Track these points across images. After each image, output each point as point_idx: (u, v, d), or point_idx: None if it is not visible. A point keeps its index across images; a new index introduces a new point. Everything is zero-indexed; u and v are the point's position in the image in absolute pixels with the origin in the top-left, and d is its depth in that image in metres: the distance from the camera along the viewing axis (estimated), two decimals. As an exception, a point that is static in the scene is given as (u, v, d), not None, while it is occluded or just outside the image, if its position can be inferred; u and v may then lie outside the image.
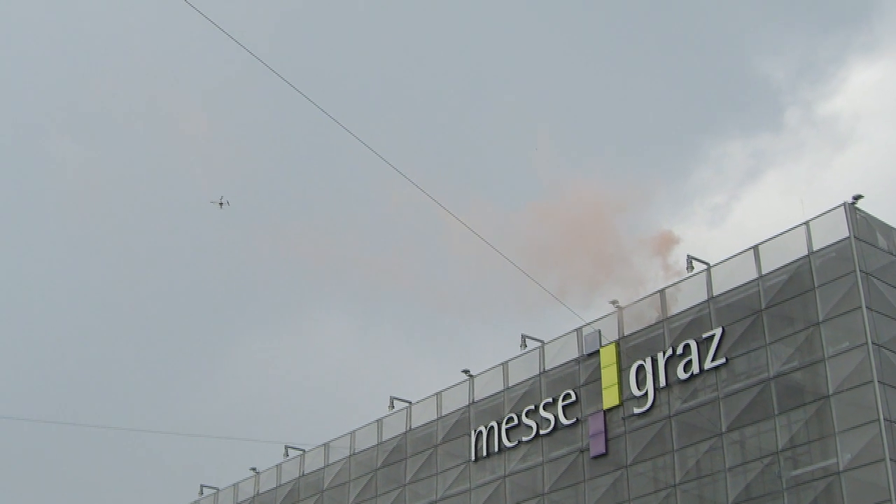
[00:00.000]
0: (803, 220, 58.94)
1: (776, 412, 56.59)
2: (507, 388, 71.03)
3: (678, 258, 65.96)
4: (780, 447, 56.01)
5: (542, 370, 69.31)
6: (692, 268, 63.14)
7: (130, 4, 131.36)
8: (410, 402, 77.91)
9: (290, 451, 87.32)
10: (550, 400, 67.75)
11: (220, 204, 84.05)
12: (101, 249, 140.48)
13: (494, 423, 70.63)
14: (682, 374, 61.09)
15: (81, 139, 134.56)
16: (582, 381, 66.63)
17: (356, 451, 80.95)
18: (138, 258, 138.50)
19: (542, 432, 67.63)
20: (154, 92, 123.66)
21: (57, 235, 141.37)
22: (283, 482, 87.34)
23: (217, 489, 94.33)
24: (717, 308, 61.00)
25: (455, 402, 74.49)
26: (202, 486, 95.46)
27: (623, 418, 63.63)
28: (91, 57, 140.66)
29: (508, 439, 69.51)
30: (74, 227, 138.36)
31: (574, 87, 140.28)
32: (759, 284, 59.53)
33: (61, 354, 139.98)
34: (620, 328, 65.59)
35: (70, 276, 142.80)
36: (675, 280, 64.65)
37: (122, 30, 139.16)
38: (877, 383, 52.84)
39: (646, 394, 62.62)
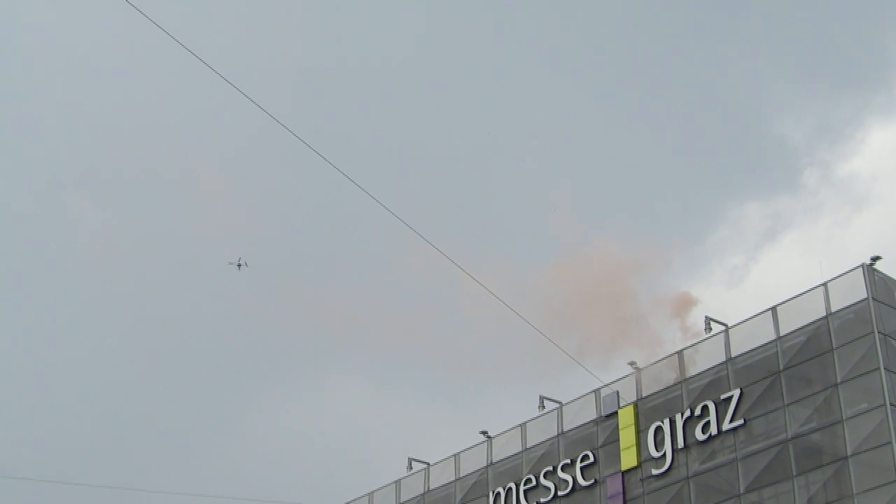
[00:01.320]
0: (821, 281, 59.04)
1: (794, 473, 56.45)
2: (526, 450, 70.93)
3: (696, 319, 66.14)
4: (798, 509, 55.92)
5: (560, 431, 69.23)
6: (710, 329, 63.19)
7: (149, 65, 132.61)
8: (429, 464, 77.80)
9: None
10: (569, 461, 67.64)
11: (239, 265, 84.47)
12: (118, 309, 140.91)
13: (513, 485, 70.49)
14: (700, 436, 61.00)
15: (99, 199, 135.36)
16: (600, 443, 66.56)
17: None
18: (155, 318, 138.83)
19: (560, 493, 67.46)
20: (172, 152, 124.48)
21: (74, 294, 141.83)
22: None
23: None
24: (736, 369, 61.01)
25: (473, 463, 74.37)
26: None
27: (641, 479, 63.50)
28: (110, 117, 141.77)
29: (527, 500, 69.31)
30: (92, 287, 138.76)
31: (592, 148, 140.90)
32: (777, 345, 59.54)
33: (76, 413, 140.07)
34: (638, 389, 65.58)
35: (86, 336, 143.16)
36: (693, 341, 64.74)
37: (141, 90, 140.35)
38: (895, 444, 52.73)
39: (664, 455, 62.52)
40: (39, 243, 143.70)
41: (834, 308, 57.72)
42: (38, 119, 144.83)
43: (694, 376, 63.09)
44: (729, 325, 62.64)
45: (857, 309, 56.81)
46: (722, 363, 61.78)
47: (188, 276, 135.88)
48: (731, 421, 59.66)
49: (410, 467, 78.87)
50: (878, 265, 57.69)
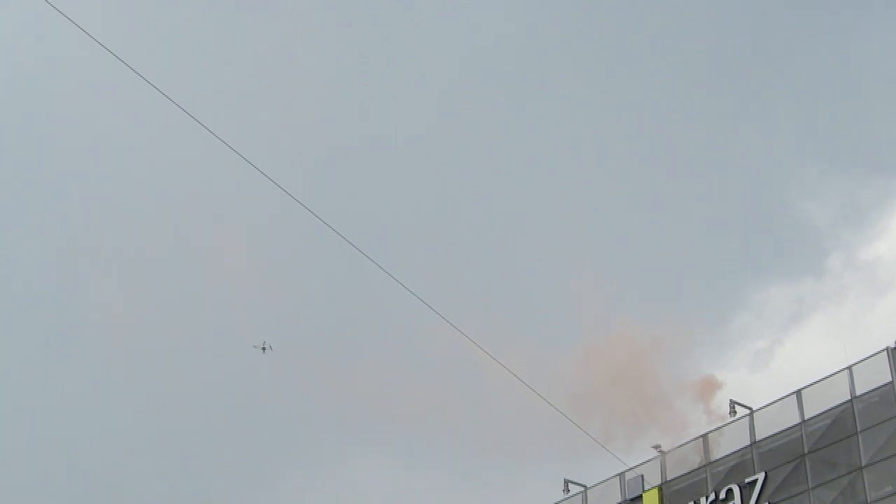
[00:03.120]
0: (846, 365, 59.07)
1: (820, 558, 56.26)
2: (551, 533, 70.78)
3: (721, 403, 66.10)
4: None
5: (584, 515, 69.11)
6: (735, 412, 63.22)
7: (169, 143, 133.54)
8: (453, 547, 77.64)
9: None
10: (593, 545, 67.47)
11: (263, 348, 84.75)
12: (137, 387, 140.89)
13: (537, 569, 70.29)
14: (725, 519, 60.91)
15: (120, 277, 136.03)
16: (625, 526, 66.43)
17: None
18: (174, 398, 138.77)
19: (584, 578, 67.27)
20: (194, 231, 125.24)
21: (93, 373, 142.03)
22: None
23: None
24: (760, 453, 60.90)
25: (498, 546, 74.24)
26: None
27: (666, 564, 63.32)
28: (131, 194, 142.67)
29: (551, 585, 69.12)
30: (111, 366, 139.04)
31: (616, 230, 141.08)
32: (801, 429, 59.46)
33: (91, 492, 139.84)
34: (663, 473, 65.44)
35: (104, 414, 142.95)
36: (718, 425, 64.68)
37: (162, 168, 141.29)
38: (921, 529, 52.55)
39: (689, 539, 62.35)
40: (59, 320, 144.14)
41: (858, 391, 57.70)
42: (59, 195, 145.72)
43: (718, 460, 63.00)
44: (753, 409, 62.64)
45: (881, 392, 56.76)
46: (746, 446, 61.70)
47: (209, 357, 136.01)
48: (756, 504, 59.58)
49: (435, 551, 78.71)
50: (902, 349, 57.78)
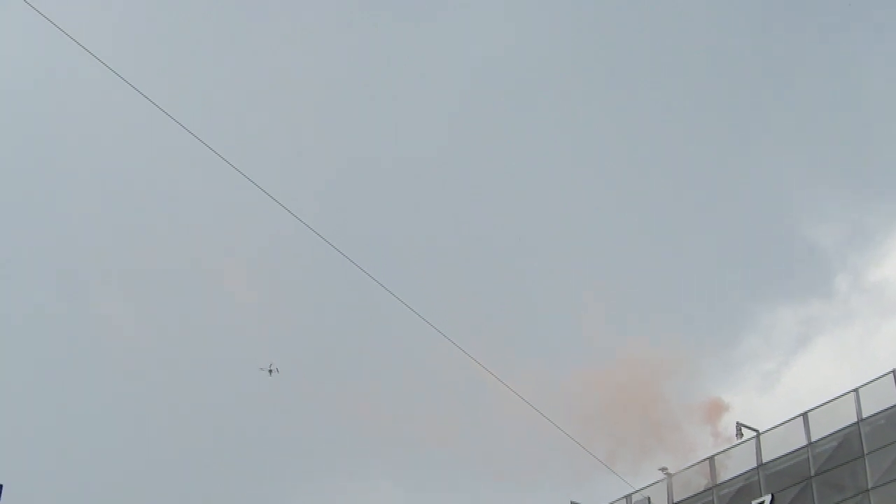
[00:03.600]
0: (853, 387, 58.96)
1: (827, 581, 56.11)
2: (557, 555, 70.65)
3: (727, 425, 66.09)
4: None
5: (591, 537, 69.01)
6: (741, 434, 63.10)
7: (176, 166, 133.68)
8: (459, 569, 77.49)
9: None
10: (599, 567, 67.34)
11: (270, 371, 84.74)
12: (142, 410, 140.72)
13: (543, 591, 70.13)
14: (731, 542, 60.75)
15: (128, 299, 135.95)
16: (631, 549, 66.28)
17: None
18: (181, 418, 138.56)
19: None
20: (200, 253, 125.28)
21: (98, 391, 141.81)
22: None
23: None
24: (767, 475, 60.74)
25: (504, 569, 74.10)
26: None
27: (673, 586, 63.19)
28: (139, 217, 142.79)
29: None
30: (117, 388, 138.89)
31: (623, 251, 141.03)
32: (808, 451, 59.32)
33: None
34: (670, 495, 65.33)
35: (110, 437, 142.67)
36: (725, 447, 64.65)
37: (168, 190, 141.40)
38: (928, 552, 52.39)
39: (695, 561, 62.21)
40: (66, 342, 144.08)
41: (865, 414, 57.55)
42: (63, 212, 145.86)
43: (725, 482, 62.84)
44: (760, 431, 62.53)
45: (888, 415, 56.63)
46: (753, 469, 61.54)
47: (214, 379, 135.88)
48: (763, 527, 59.42)
49: (441, 573, 78.53)
50: (910, 371, 57.70)
